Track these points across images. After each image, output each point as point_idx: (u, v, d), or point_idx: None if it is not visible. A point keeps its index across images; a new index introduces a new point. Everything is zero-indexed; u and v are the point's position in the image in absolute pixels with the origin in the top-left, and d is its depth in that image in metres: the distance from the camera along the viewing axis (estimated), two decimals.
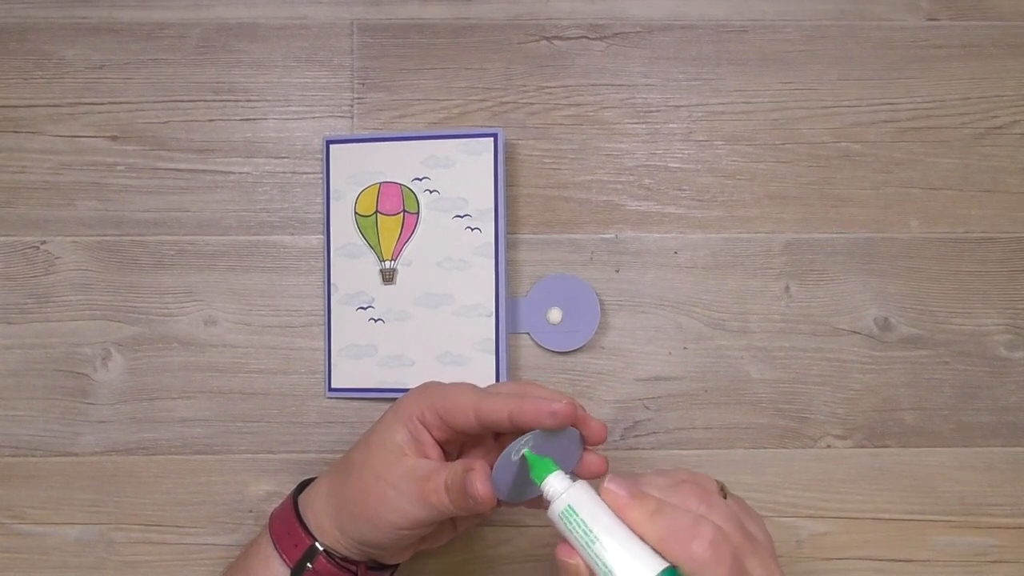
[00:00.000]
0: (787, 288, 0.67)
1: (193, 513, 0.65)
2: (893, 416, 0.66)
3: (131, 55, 0.66)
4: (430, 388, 0.55)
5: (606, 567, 0.46)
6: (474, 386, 0.54)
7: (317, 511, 0.56)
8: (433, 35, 0.67)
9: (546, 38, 0.67)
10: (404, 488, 0.52)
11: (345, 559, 0.55)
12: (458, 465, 0.51)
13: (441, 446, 0.55)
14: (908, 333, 0.66)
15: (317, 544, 0.55)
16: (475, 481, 0.50)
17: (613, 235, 0.67)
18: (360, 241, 0.65)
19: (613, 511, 0.48)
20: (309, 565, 0.55)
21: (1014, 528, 0.66)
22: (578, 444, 0.53)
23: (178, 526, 0.65)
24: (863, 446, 0.66)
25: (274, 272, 0.66)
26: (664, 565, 0.46)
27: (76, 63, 0.66)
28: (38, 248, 0.66)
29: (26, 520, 0.65)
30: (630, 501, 0.47)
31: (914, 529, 0.66)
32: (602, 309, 0.66)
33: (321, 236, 0.66)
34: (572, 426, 0.52)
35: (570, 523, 0.48)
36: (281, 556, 0.55)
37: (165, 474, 0.65)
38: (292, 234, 0.66)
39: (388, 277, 0.65)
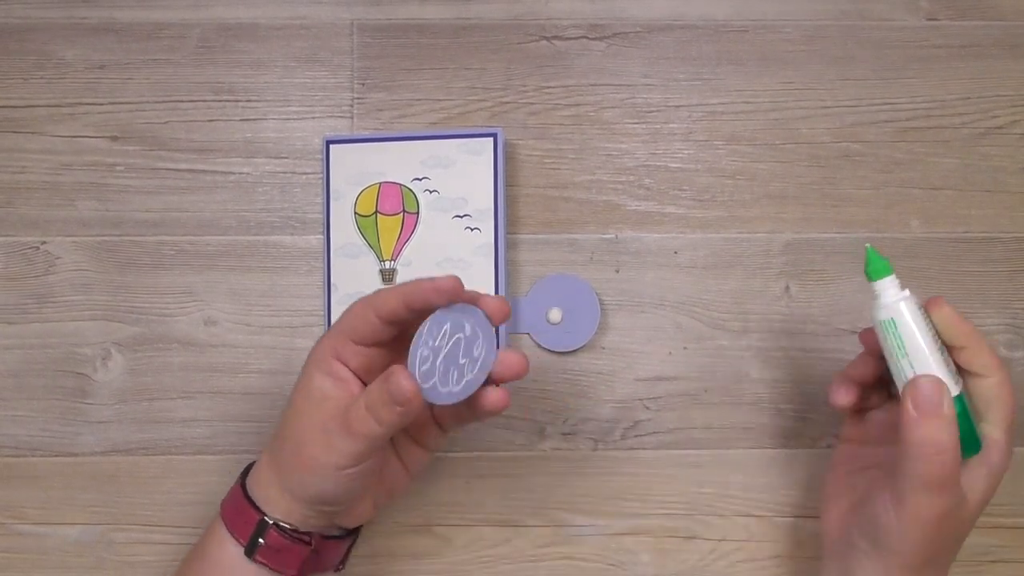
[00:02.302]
0: (787, 288, 0.67)
1: (193, 513, 0.65)
2: None
3: (131, 55, 0.66)
4: (332, 326, 0.55)
5: (904, 378, 0.51)
6: (364, 296, 0.54)
7: (263, 484, 0.55)
8: (433, 35, 0.67)
9: (546, 38, 0.67)
10: (333, 426, 0.52)
11: (295, 530, 0.55)
12: (373, 383, 0.51)
13: (361, 378, 0.54)
14: None
15: (266, 517, 0.54)
16: (399, 379, 0.50)
17: (613, 235, 0.67)
18: (360, 241, 0.65)
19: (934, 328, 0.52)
20: (261, 540, 0.54)
21: (1014, 528, 0.66)
22: (488, 327, 0.51)
23: (178, 526, 0.65)
24: None
25: (274, 272, 0.66)
26: (958, 391, 0.51)
27: (76, 63, 0.66)
28: (38, 248, 0.66)
29: (26, 520, 0.65)
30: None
31: None
32: (602, 309, 0.66)
33: (321, 236, 0.66)
34: (473, 304, 0.52)
35: (887, 332, 0.52)
36: (233, 536, 0.55)
37: (165, 474, 0.65)
38: (292, 234, 0.66)
39: (388, 277, 0.65)
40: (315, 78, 0.67)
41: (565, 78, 0.67)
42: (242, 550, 0.55)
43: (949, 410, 0.50)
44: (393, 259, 0.65)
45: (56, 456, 0.65)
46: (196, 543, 0.58)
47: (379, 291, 0.53)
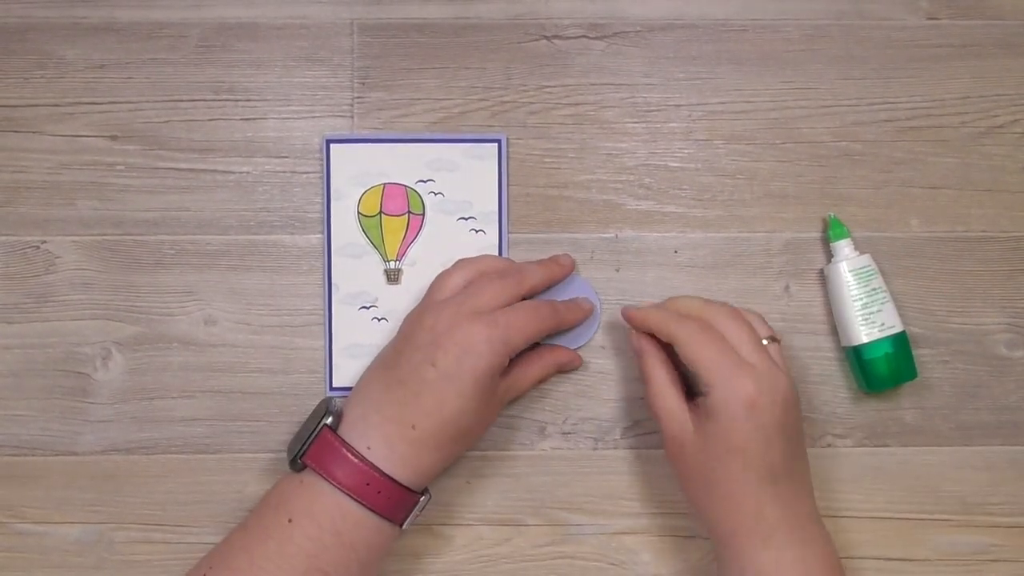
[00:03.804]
0: (787, 288, 0.67)
1: (193, 513, 0.65)
2: (893, 415, 0.66)
3: (131, 55, 0.66)
4: (485, 331, 0.58)
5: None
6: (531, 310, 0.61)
7: (423, 471, 0.58)
8: (433, 35, 0.67)
9: (546, 38, 0.67)
10: (500, 407, 0.63)
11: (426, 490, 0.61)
12: (539, 368, 0.64)
13: None
14: (908, 332, 0.66)
15: (423, 496, 0.60)
16: (574, 361, 0.65)
17: (613, 235, 0.67)
18: (363, 241, 0.66)
19: None
20: (417, 512, 0.60)
21: (1014, 527, 0.66)
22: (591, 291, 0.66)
23: (178, 526, 0.65)
24: (863, 445, 0.66)
25: (274, 272, 0.66)
26: (880, 336, 0.64)
27: (76, 63, 0.66)
28: (38, 248, 0.66)
29: (26, 520, 0.65)
30: None
31: (914, 528, 0.66)
32: (602, 309, 0.66)
33: (321, 236, 0.66)
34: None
35: (829, 283, 0.65)
36: (390, 520, 0.58)
37: (165, 474, 0.65)
38: (292, 234, 0.66)
39: (393, 277, 0.65)
40: (315, 78, 0.67)
41: (565, 78, 0.67)
42: (396, 528, 0.59)
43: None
44: (398, 259, 0.65)
45: (56, 455, 0.65)
46: (311, 539, 0.57)
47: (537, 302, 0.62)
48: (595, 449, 0.66)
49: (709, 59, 0.67)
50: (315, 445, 0.58)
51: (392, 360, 0.60)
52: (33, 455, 0.65)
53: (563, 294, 0.65)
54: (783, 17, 0.68)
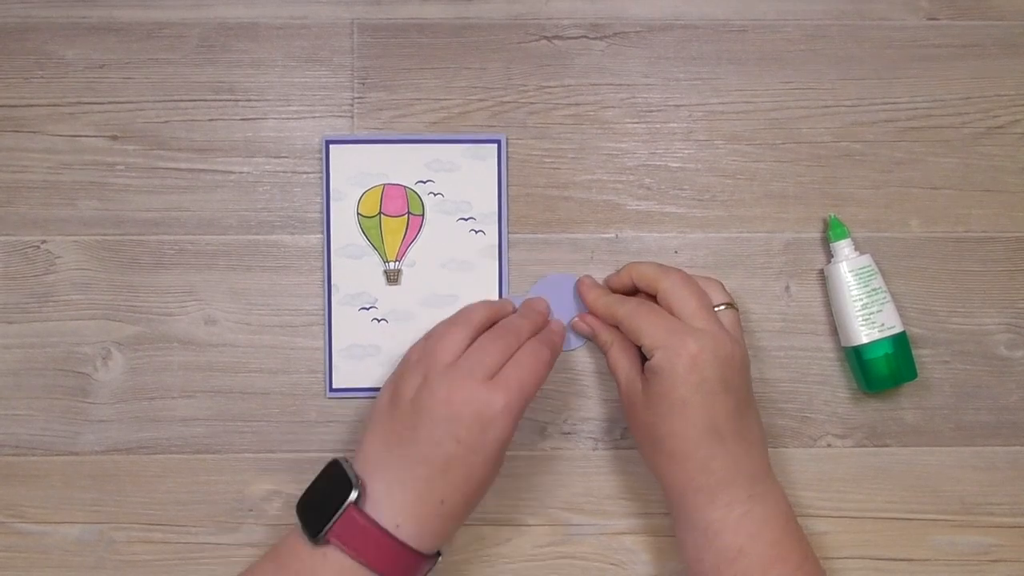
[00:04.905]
0: (787, 288, 0.67)
1: (193, 512, 0.65)
2: (893, 415, 0.66)
3: (131, 55, 0.66)
4: (503, 398, 0.56)
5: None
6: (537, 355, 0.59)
7: (446, 537, 0.58)
8: (433, 35, 0.67)
9: (546, 38, 0.67)
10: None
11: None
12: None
13: None
14: (908, 332, 0.66)
15: (438, 559, 0.59)
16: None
17: (613, 235, 0.67)
18: (363, 242, 0.66)
19: None
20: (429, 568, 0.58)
21: (1014, 527, 0.66)
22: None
23: (178, 525, 0.65)
24: (863, 445, 0.66)
25: (274, 272, 0.66)
26: (879, 337, 0.64)
27: (76, 63, 0.66)
28: (38, 248, 0.66)
29: (26, 519, 0.65)
30: None
31: (914, 528, 0.66)
32: None
33: (321, 236, 0.66)
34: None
35: (829, 282, 0.66)
36: None
37: (165, 473, 0.65)
38: (292, 234, 0.66)
39: (393, 278, 0.65)
40: (315, 78, 0.67)
41: (565, 78, 0.67)
42: None
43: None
44: (398, 260, 0.65)
45: (56, 455, 0.65)
46: None
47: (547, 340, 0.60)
48: (595, 449, 0.66)
49: (709, 59, 0.67)
50: (341, 523, 0.56)
51: (409, 436, 0.57)
52: (33, 455, 0.65)
53: (564, 294, 0.65)
54: (783, 17, 0.68)
